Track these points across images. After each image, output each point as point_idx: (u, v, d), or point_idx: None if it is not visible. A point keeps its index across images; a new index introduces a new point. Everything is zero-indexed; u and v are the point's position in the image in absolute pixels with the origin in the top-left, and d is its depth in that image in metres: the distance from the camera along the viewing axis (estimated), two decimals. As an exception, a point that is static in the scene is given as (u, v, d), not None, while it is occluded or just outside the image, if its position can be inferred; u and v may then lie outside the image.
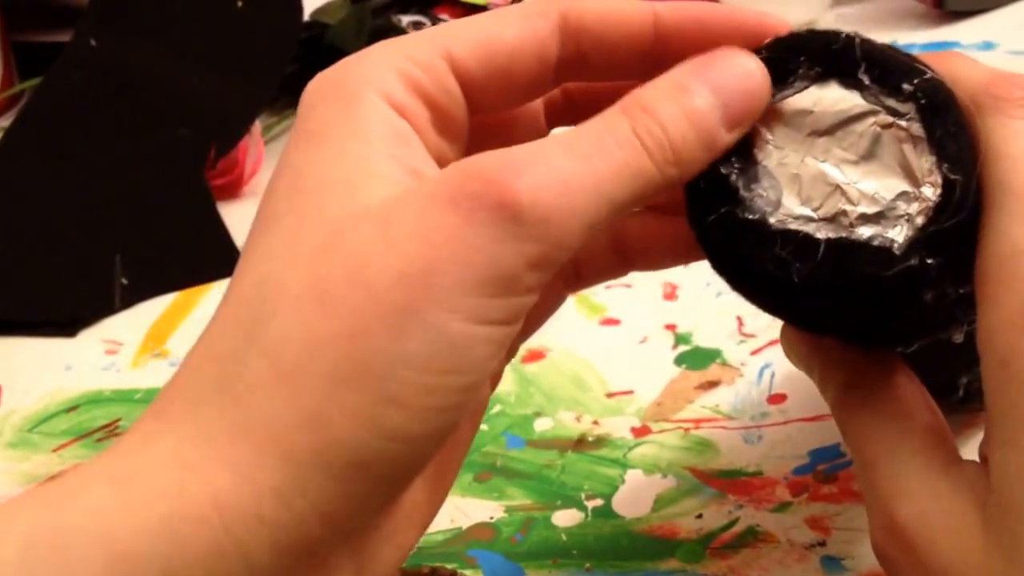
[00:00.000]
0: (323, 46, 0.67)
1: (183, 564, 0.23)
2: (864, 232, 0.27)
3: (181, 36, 0.63)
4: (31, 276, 0.56)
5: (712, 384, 0.45)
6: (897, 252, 0.27)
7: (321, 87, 0.27)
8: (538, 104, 0.31)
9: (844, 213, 0.27)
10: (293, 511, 0.23)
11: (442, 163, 0.27)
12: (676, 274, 0.51)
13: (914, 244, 0.27)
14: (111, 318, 0.54)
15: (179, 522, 0.23)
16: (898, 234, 0.27)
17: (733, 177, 0.28)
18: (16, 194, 0.59)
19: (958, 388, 0.35)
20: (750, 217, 0.28)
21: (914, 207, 0.27)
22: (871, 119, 0.28)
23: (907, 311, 0.28)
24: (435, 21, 0.73)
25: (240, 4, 0.64)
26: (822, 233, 0.27)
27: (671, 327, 0.49)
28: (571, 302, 0.51)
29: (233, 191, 0.62)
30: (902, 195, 0.27)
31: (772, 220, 0.28)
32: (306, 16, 0.67)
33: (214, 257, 0.56)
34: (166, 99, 0.62)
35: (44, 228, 0.58)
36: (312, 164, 0.26)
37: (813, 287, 0.27)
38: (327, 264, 0.24)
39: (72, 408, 0.48)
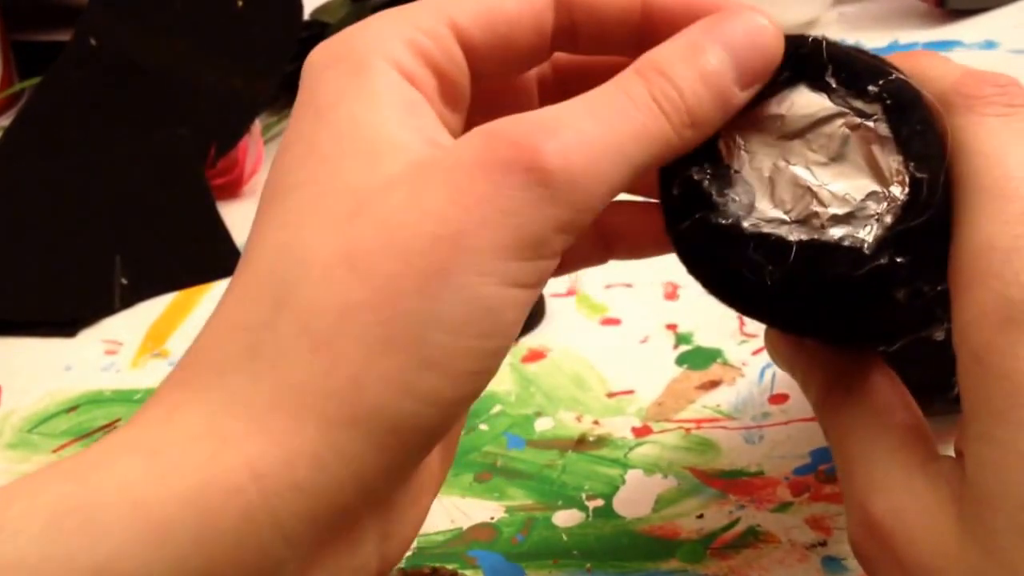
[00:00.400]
0: (323, 45, 0.67)
1: (215, 533, 0.22)
2: (835, 233, 0.27)
3: (181, 35, 0.63)
4: (31, 276, 0.56)
5: (713, 384, 0.45)
6: (867, 252, 0.27)
7: (326, 57, 0.27)
8: (531, 77, 0.32)
9: (816, 215, 0.27)
10: (330, 478, 0.23)
11: (448, 133, 0.27)
12: (677, 274, 0.50)
13: (883, 243, 0.27)
14: (111, 318, 0.54)
15: (212, 491, 0.23)
16: (868, 234, 0.27)
17: (706, 183, 0.28)
18: (16, 194, 0.59)
19: (953, 386, 0.35)
20: (723, 222, 0.28)
21: (883, 206, 0.27)
22: (840, 121, 0.28)
23: (880, 310, 0.28)
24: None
25: (240, 4, 0.64)
26: (794, 235, 0.27)
27: (672, 327, 0.48)
28: (571, 302, 0.51)
29: (233, 191, 0.62)
30: (871, 195, 0.27)
31: (745, 224, 0.28)
32: (306, 15, 0.67)
33: (214, 257, 0.56)
34: (166, 98, 0.62)
35: (44, 228, 0.58)
36: (326, 134, 0.26)
37: (786, 289, 0.27)
38: (358, 231, 0.24)
39: (72, 408, 0.48)
